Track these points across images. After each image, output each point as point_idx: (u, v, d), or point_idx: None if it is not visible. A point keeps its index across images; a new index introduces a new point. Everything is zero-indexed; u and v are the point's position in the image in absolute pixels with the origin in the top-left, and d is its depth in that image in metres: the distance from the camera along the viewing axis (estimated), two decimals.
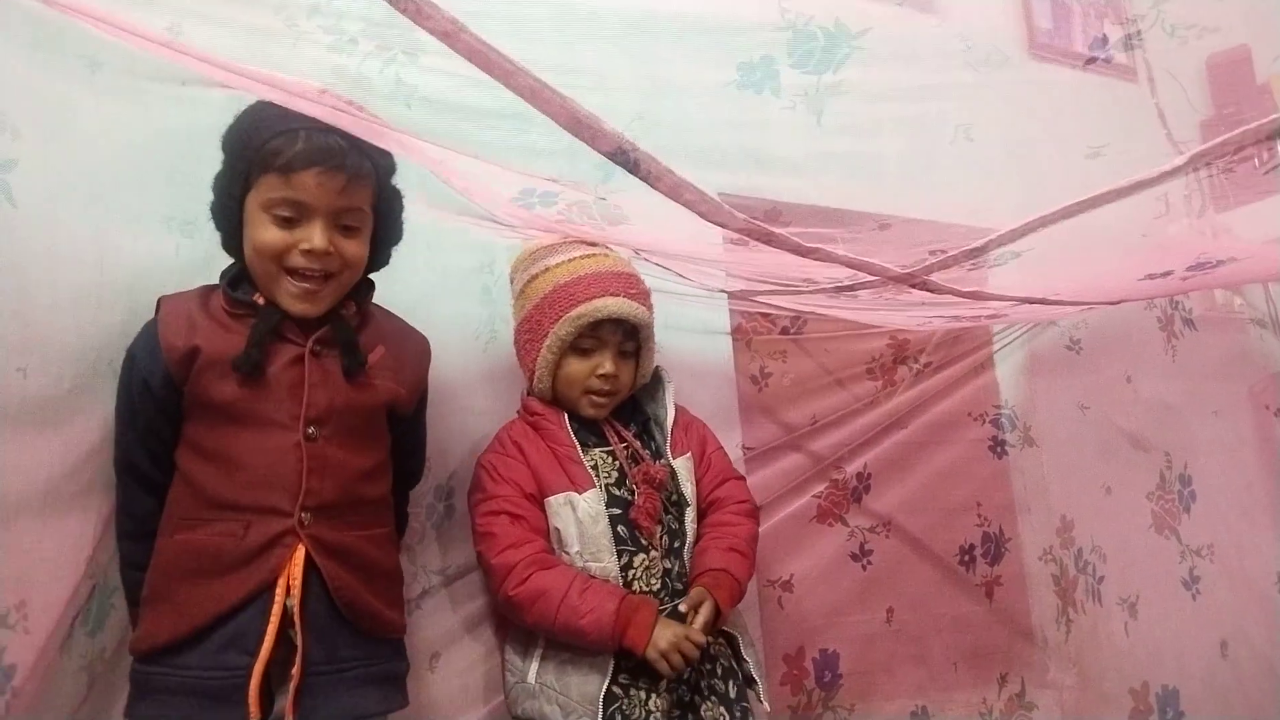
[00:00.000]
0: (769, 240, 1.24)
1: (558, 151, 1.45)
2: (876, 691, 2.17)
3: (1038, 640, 2.37)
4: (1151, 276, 1.77)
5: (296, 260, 1.33)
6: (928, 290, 1.68)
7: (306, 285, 1.34)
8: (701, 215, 1.14)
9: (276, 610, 1.26)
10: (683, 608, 1.56)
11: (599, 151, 1.01)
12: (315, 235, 1.32)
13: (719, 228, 1.19)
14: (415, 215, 1.60)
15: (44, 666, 1.25)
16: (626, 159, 1.03)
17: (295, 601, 1.26)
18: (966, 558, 2.35)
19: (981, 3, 1.52)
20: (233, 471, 1.30)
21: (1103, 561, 2.41)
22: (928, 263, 1.56)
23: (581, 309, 1.60)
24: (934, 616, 2.27)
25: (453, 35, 0.93)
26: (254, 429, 1.31)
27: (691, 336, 2.05)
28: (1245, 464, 2.52)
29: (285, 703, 1.25)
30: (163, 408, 1.34)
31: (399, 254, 1.54)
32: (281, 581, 1.27)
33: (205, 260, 1.45)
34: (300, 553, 1.29)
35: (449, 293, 1.78)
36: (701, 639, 1.53)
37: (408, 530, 1.65)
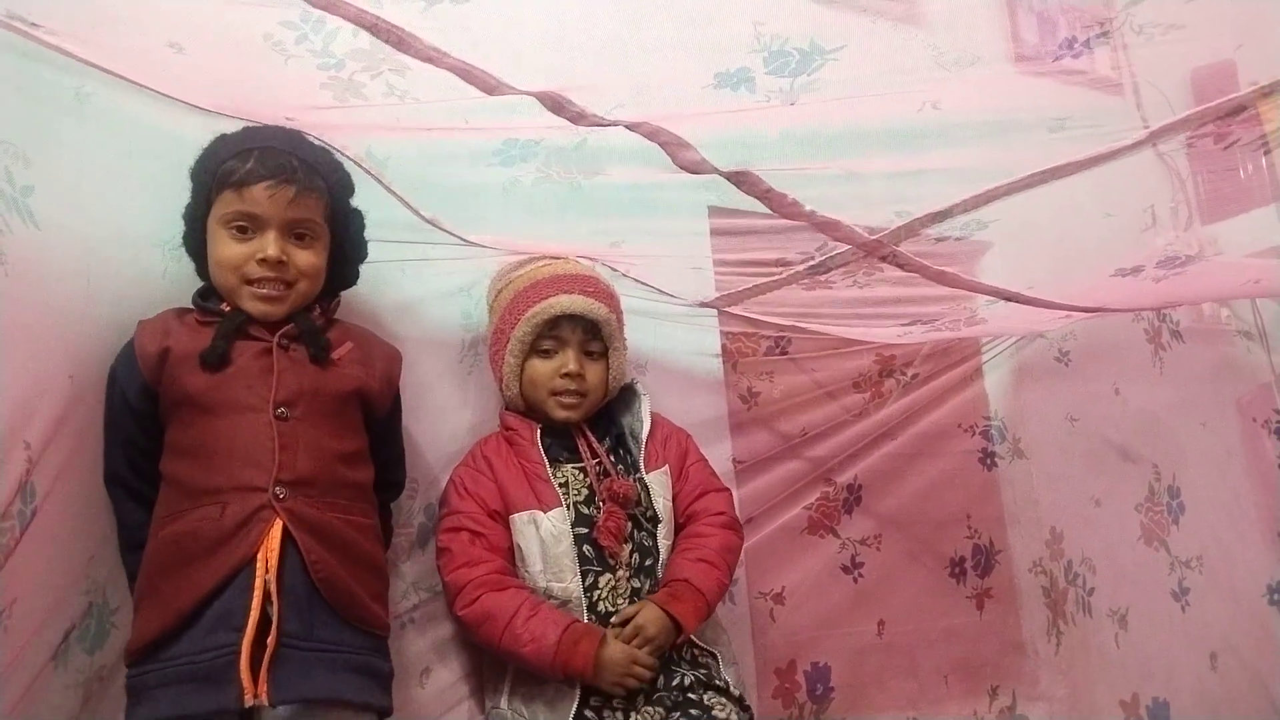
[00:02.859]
0: (739, 183, 1.28)
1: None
2: (868, 704, 2.17)
3: (1028, 652, 2.38)
4: (1122, 272, 1.78)
5: (254, 270, 1.40)
6: (898, 265, 1.70)
7: (267, 291, 1.41)
8: (681, 165, 1.16)
9: (259, 585, 1.26)
10: (614, 620, 1.54)
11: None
12: (269, 244, 1.39)
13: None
14: (395, 250, 1.68)
15: (23, 670, 1.25)
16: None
17: (272, 575, 1.27)
18: (957, 570, 2.35)
19: (966, 16, 1.53)
20: (208, 458, 1.33)
21: (1092, 573, 2.42)
22: (895, 225, 1.58)
23: (536, 308, 1.63)
24: (925, 629, 2.28)
25: (435, 59, 0.95)
26: (226, 415, 1.34)
27: (682, 356, 2.06)
28: (1233, 475, 2.53)
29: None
30: (141, 420, 1.38)
31: (381, 279, 1.59)
32: (261, 556, 1.27)
33: (192, 284, 1.49)
34: (277, 526, 1.29)
35: (432, 315, 1.80)
36: (649, 660, 1.51)
37: (395, 547, 1.65)
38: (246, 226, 1.40)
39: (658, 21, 1.32)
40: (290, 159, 1.41)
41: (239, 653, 1.23)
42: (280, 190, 1.39)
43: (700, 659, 1.61)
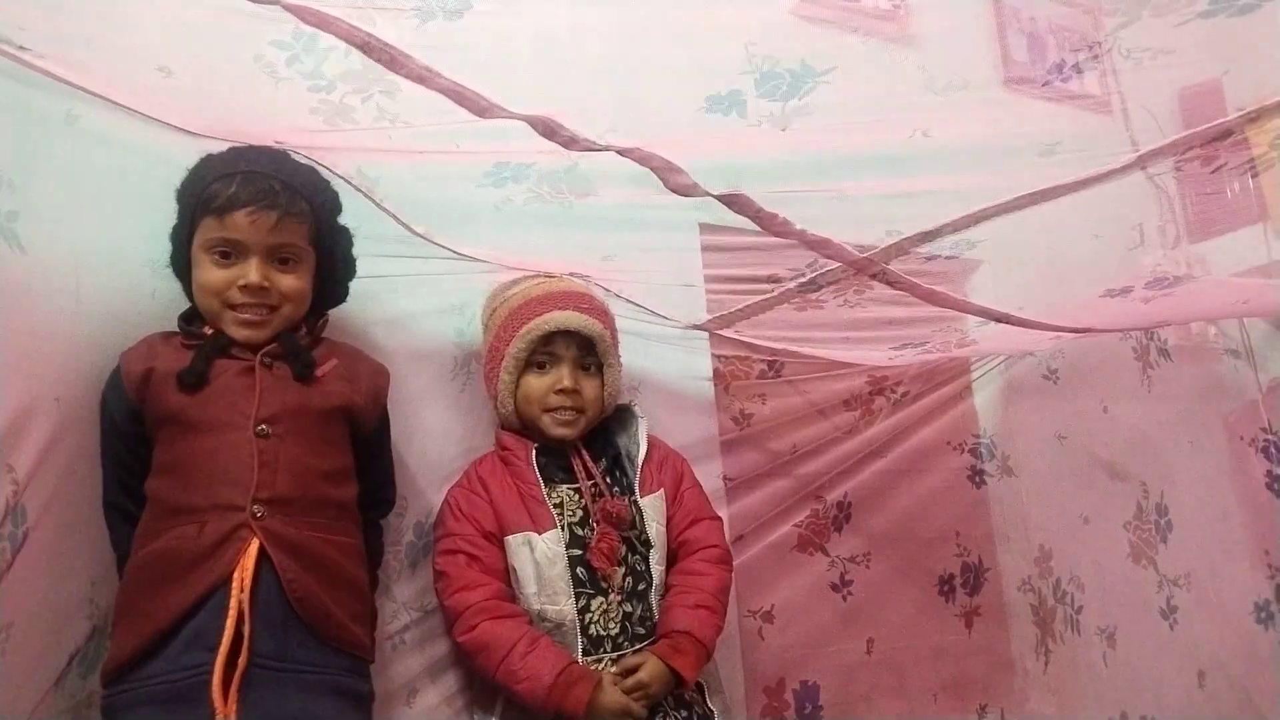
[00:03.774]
0: (730, 204, 1.28)
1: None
2: None
3: (1017, 670, 2.38)
4: (1111, 292, 1.79)
5: (236, 296, 1.40)
6: (888, 283, 1.71)
7: (249, 316, 1.41)
8: (672, 189, 1.16)
9: (234, 604, 1.25)
10: (615, 668, 1.54)
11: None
12: (251, 271, 1.39)
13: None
14: (386, 265, 1.69)
15: (22, 694, 1.24)
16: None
17: (246, 594, 1.26)
18: (946, 588, 2.36)
19: (956, 38, 1.55)
20: (188, 476, 1.32)
21: (1081, 591, 2.41)
22: (885, 244, 1.59)
23: (530, 325, 1.64)
24: (914, 647, 2.28)
25: (428, 79, 0.95)
26: (207, 433, 1.34)
27: (675, 379, 2.07)
28: (1222, 494, 2.52)
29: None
30: (130, 442, 1.38)
31: (372, 294, 1.60)
32: (236, 575, 1.27)
33: (182, 303, 1.49)
34: (254, 545, 1.29)
35: (424, 332, 1.80)
36: (641, 713, 1.50)
37: (385, 565, 1.64)
38: (229, 252, 1.40)
39: (649, 39, 1.33)
40: (273, 183, 1.40)
41: (212, 673, 1.21)
42: (262, 216, 1.38)
43: (686, 696, 1.60)
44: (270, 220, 1.39)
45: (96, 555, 1.40)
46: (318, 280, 1.49)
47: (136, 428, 1.38)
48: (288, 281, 1.43)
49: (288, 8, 1.14)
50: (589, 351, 1.69)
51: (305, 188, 1.45)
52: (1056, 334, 2.14)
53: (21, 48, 1.31)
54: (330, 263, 1.51)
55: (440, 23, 1.24)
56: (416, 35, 1.24)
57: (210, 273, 1.40)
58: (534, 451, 1.66)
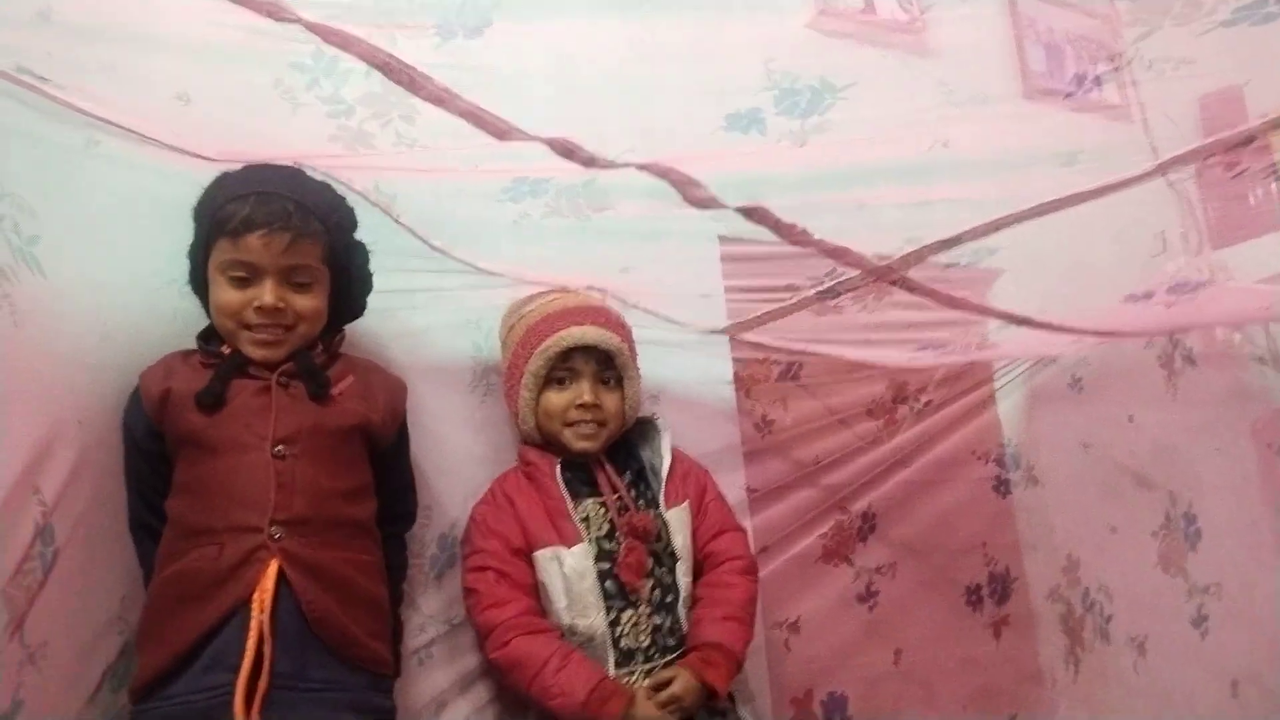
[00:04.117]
0: (750, 215, 1.28)
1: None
2: None
3: (1047, 680, 2.36)
4: (1133, 298, 1.78)
5: (251, 317, 1.42)
6: (908, 290, 1.70)
7: (265, 336, 1.42)
8: (691, 202, 1.16)
9: (254, 625, 1.27)
10: (648, 682, 1.54)
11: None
12: (266, 293, 1.41)
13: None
14: (404, 280, 1.70)
15: (56, 710, 1.26)
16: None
17: (266, 615, 1.27)
18: (974, 598, 2.34)
19: (973, 50, 1.55)
20: (207, 497, 1.34)
21: (1109, 600, 2.40)
22: (905, 251, 1.58)
23: (548, 341, 1.64)
24: (942, 657, 2.27)
25: (446, 101, 0.97)
26: (225, 454, 1.36)
27: (694, 385, 2.07)
28: (1250, 501, 2.50)
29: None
30: (151, 460, 1.41)
31: (389, 309, 1.62)
32: (256, 596, 1.28)
33: (202, 320, 1.50)
34: (273, 566, 1.30)
35: (442, 345, 1.81)
36: None
37: (410, 578, 1.65)
38: (244, 275, 1.41)
39: (667, 57, 1.33)
40: (286, 204, 1.41)
41: (233, 693, 1.23)
42: (275, 238, 1.39)
43: (718, 706, 1.60)
44: (283, 242, 1.40)
45: (126, 573, 1.43)
46: (333, 297, 1.50)
47: (157, 446, 1.40)
48: (302, 302, 1.45)
49: (310, 26, 1.16)
50: (608, 365, 1.70)
51: (319, 207, 1.46)
52: (1078, 338, 2.13)
53: (43, 78, 1.33)
54: (346, 280, 1.52)
55: (460, 41, 1.26)
56: (437, 54, 1.26)
57: (226, 294, 1.42)
58: (559, 467, 1.66)
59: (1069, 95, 1.42)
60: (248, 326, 1.42)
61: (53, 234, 1.36)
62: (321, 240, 1.46)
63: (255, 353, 1.43)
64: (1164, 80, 1.36)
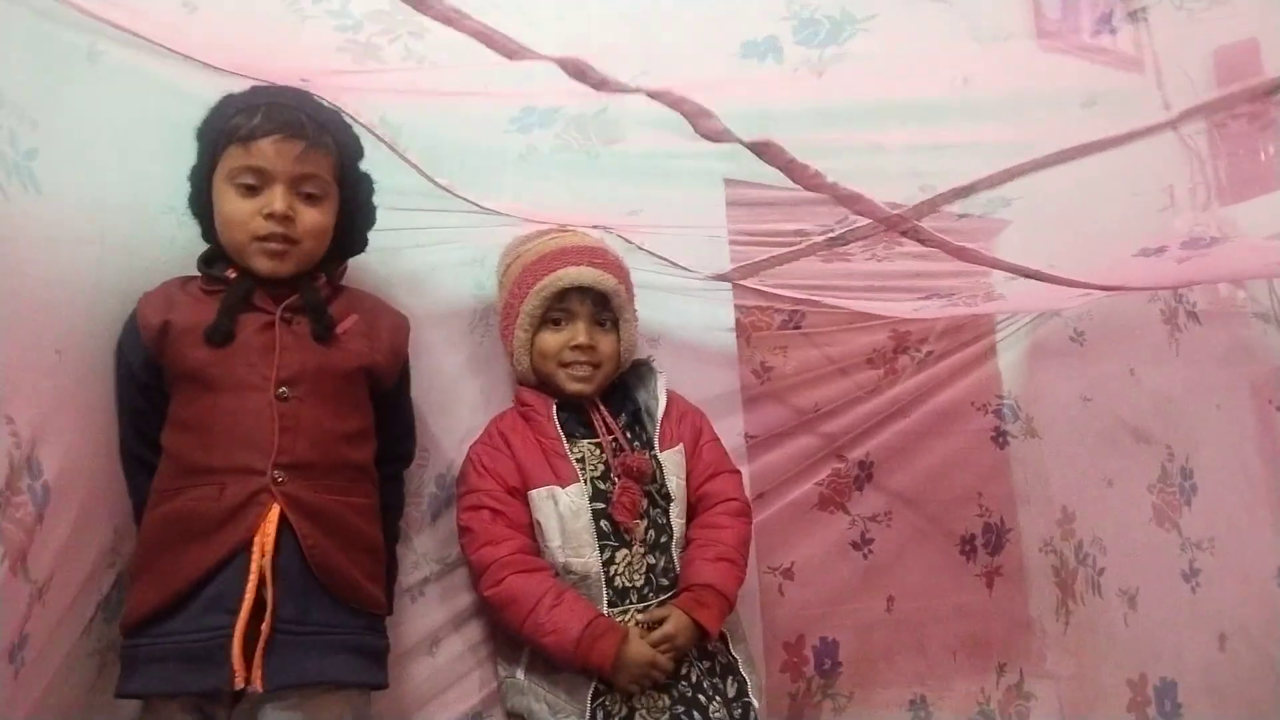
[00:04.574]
0: (761, 153, 1.26)
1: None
2: (876, 679, 2.18)
3: (1036, 630, 2.38)
4: (1145, 252, 1.77)
5: (259, 225, 1.37)
6: (919, 240, 1.68)
7: (273, 246, 1.39)
8: (703, 134, 1.15)
9: (255, 569, 1.26)
10: (641, 618, 1.55)
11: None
12: (276, 199, 1.37)
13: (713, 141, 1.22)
14: (407, 219, 1.68)
15: (54, 644, 1.26)
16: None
17: (267, 559, 1.27)
18: (967, 547, 2.35)
19: None
20: (208, 436, 1.32)
21: (1103, 553, 2.41)
22: (918, 200, 1.56)
23: (544, 281, 1.63)
24: (934, 606, 2.28)
25: (455, 20, 0.94)
26: (227, 392, 1.34)
27: (695, 330, 2.05)
28: (1247, 458, 2.52)
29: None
30: (146, 392, 1.38)
31: (392, 247, 1.59)
32: (257, 539, 1.28)
33: (200, 251, 1.47)
34: (275, 510, 1.30)
35: (444, 285, 1.79)
36: (667, 665, 1.52)
37: (406, 517, 1.64)
38: (253, 183, 1.38)
39: None
40: (299, 114, 1.39)
41: (232, 636, 1.23)
42: (288, 145, 1.37)
43: (709, 646, 1.61)
44: (296, 149, 1.37)
45: (118, 504, 1.41)
46: (338, 224, 1.47)
47: (154, 379, 1.38)
48: (311, 216, 1.41)
49: None
50: (604, 307, 1.69)
51: (330, 124, 1.44)
52: (1085, 292, 2.11)
53: None
54: (353, 204, 1.50)
55: None
56: None
57: (234, 203, 1.38)
58: (555, 407, 1.66)
59: (1085, 40, 1.39)
60: (255, 238, 1.38)
61: (52, 149, 1.30)
62: (332, 154, 1.43)
63: (262, 264, 1.39)
64: (1182, 26, 1.33)
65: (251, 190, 1.38)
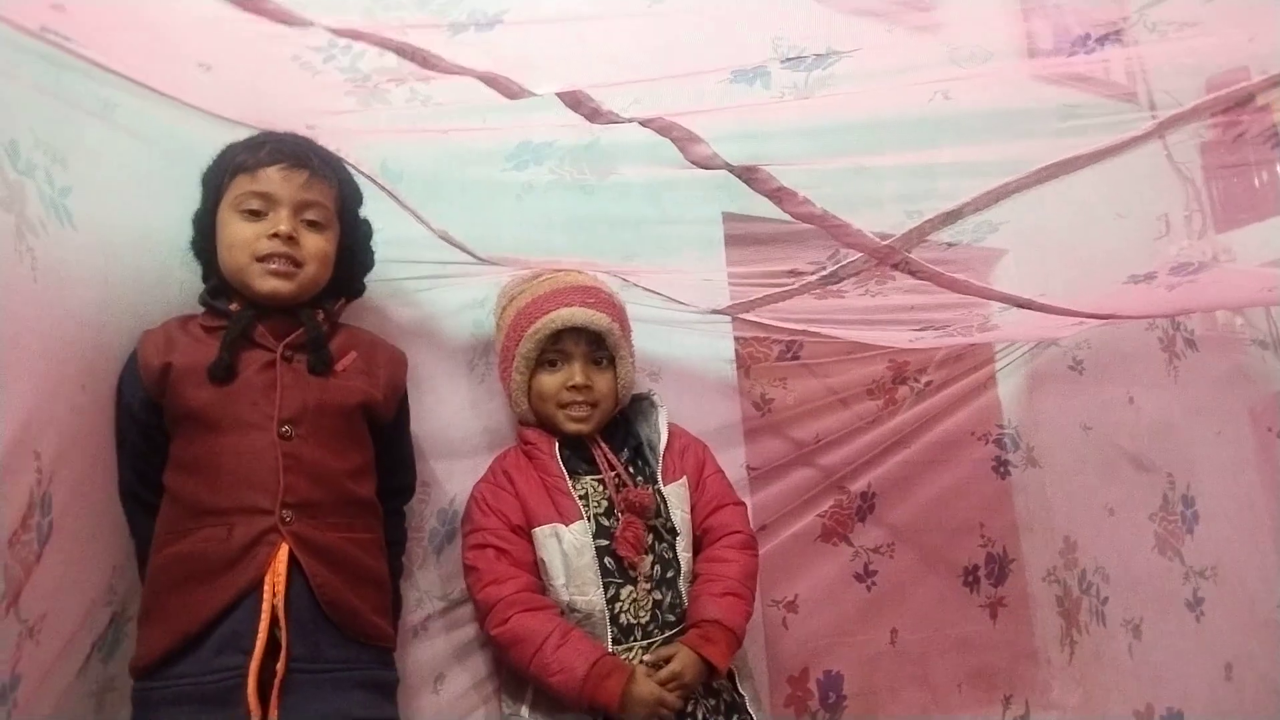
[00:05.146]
0: (749, 180, 1.27)
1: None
2: (880, 712, 2.17)
3: (1041, 661, 2.37)
4: (1134, 278, 1.77)
5: (264, 246, 1.39)
6: (910, 273, 1.69)
7: (276, 267, 1.40)
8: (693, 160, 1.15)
9: (266, 608, 1.27)
10: (648, 658, 1.54)
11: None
12: (282, 220, 1.40)
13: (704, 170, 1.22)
14: (406, 268, 1.71)
15: (49, 684, 1.25)
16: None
17: (280, 599, 1.27)
18: (970, 578, 2.35)
19: (981, 24, 1.54)
20: (213, 477, 1.33)
21: (1106, 582, 2.41)
22: (906, 227, 1.57)
23: (538, 324, 1.64)
24: (938, 637, 2.27)
25: (459, 73, 0.96)
26: (230, 433, 1.34)
27: (695, 363, 2.06)
28: (1247, 485, 2.52)
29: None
30: (146, 431, 1.39)
31: (392, 296, 1.62)
32: (268, 580, 1.28)
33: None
34: (284, 550, 1.30)
35: (444, 325, 1.80)
36: (675, 704, 1.50)
37: (408, 553, 1.65)
38: (259, 208, 1.40)
39: (677, 29, 1.33)
40: (303, 148, 1.44)
41: (246, 676, 1.23)
42: (294, 173, 1.41)
43: (715, 683, 1.60)
44: (301, 177, 1.41)
45: (117, 542, 1.41)
46: (337, 260, 1.49)
47: (153, 418, 1.38)
48: (315, 241, 1.43)
49: (327, 28, 1.15)
50: (599, 345, 1.69)
51: (333, 160, 1.49)
52: (1080, 321, 2.12)
53: (66, 38, 1.31)
54: (352, 241, 1.52)
55: (471, 34, 1.25)
56: (447, 47, 1.25)
57: (238, 227, 1.40)
58: (557, 445, 1.66)
59: (1073, 54, 1.40)
60: (257, 258, 1.40)
61: (83, 187, 1.33)
62: (335, 187, 1.47)
63: (264, 284, 1.40)
64: (1168, 43, 1.35)
65: (256, 215, 1.41)
